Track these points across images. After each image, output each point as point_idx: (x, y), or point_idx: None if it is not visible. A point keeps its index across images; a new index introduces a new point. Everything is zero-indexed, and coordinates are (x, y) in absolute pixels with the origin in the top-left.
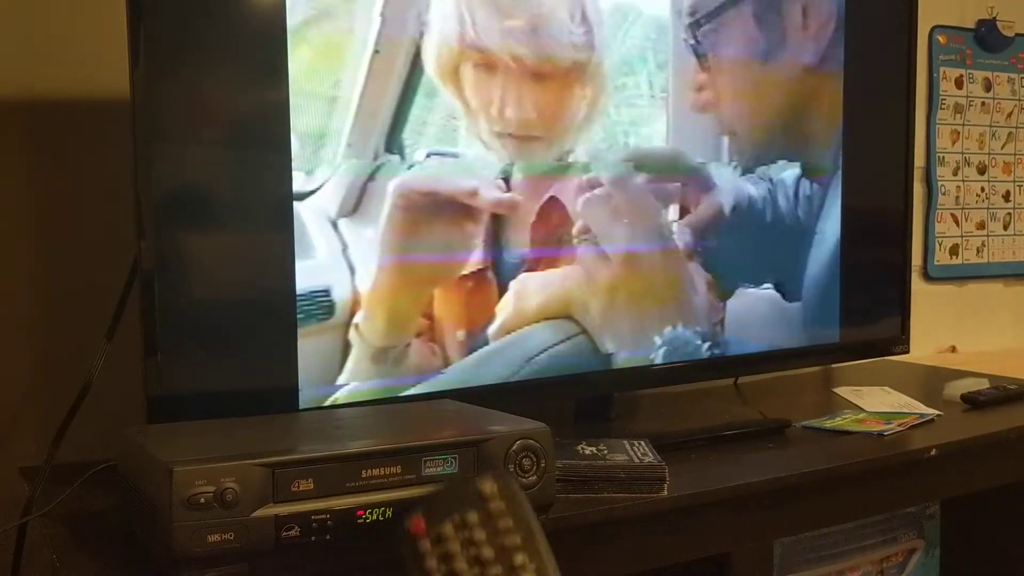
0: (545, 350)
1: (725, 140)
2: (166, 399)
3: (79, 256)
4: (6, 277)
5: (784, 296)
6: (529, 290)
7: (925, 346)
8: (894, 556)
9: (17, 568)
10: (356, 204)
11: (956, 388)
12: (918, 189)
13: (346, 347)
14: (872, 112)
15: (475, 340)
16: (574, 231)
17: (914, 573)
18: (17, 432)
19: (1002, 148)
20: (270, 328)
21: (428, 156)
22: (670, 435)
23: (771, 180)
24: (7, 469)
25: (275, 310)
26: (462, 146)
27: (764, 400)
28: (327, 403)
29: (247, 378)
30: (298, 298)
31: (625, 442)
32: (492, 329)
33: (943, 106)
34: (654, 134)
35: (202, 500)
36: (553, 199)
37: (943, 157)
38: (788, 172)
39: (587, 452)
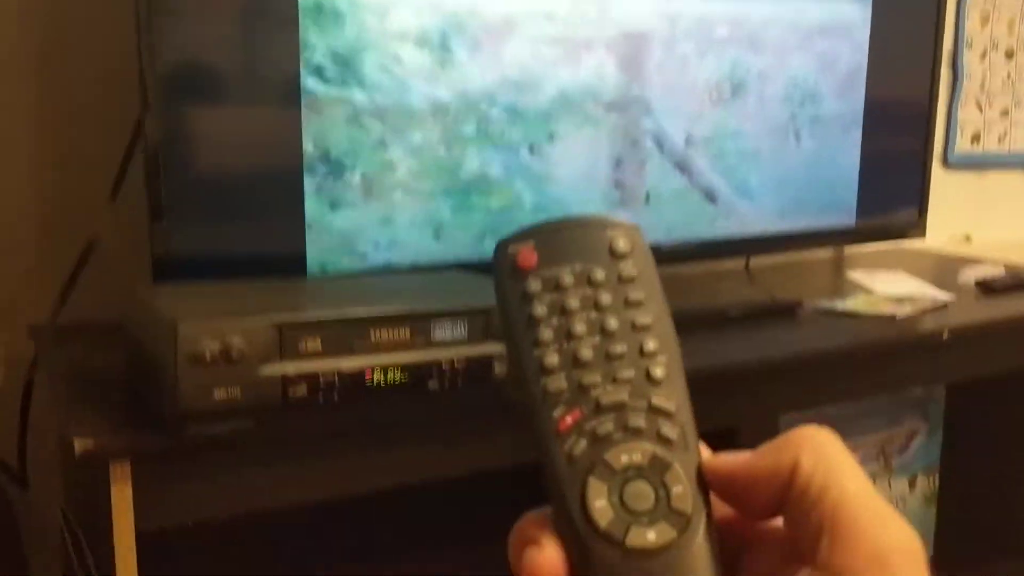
0: None
1: None
2: (172, 261)
3: (84, 113)
4: (10, 136)
5: None
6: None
7: (939, 235)
8: (896, 438)
9: (24, 423)
10: None
11: (970, 274)
12: (944, 74)
13: None
14: None
15: None
16: None
17: (915, 454)
18: (25, 292)
19: None
20: (278, 193)
21: None
22: (679, 314)
23: None
24: (16, 329)
25: (283, 174)
26: None
27: (776, 283)
28: None
29: (255, 244)
30: None
31: None
32: None
33: None
34: None
35: (207, 356)
36: None
37: (971, 40)
38: None
39: None
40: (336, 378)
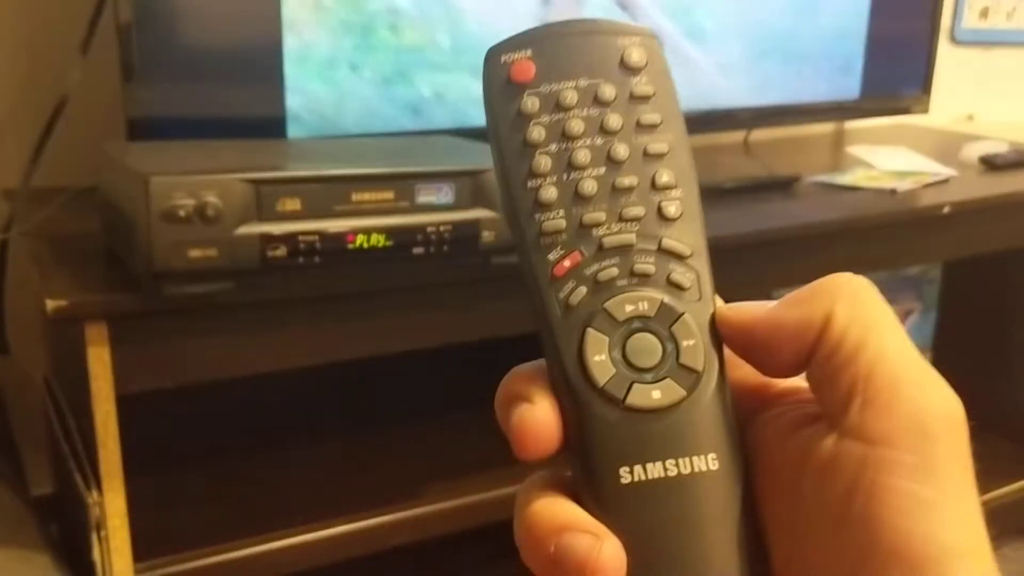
0: None
1: None
2: (147, 123)
3: None
4: None
5: None
6: None
7: (942, 112)
8: None
9: (1, 280)
10: None
11: (974, 150)
12: None
13: None
14: None
15: None
16: None
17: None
18: None
19: None
20: (257, 50)
21: None
22: None
23: None
24: None
25: (262, 31)
26: None
27: (775, 157)
28: None
29: (232, 105)
30: None
31: None
32: None
33: None
34: None
35: (181, 213)
36: None
37: None
38: None
39: None
40: (317, 240)
